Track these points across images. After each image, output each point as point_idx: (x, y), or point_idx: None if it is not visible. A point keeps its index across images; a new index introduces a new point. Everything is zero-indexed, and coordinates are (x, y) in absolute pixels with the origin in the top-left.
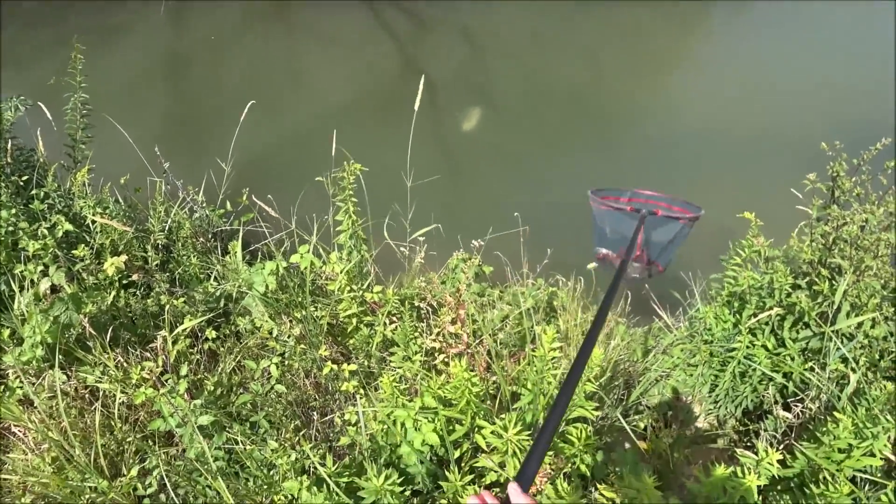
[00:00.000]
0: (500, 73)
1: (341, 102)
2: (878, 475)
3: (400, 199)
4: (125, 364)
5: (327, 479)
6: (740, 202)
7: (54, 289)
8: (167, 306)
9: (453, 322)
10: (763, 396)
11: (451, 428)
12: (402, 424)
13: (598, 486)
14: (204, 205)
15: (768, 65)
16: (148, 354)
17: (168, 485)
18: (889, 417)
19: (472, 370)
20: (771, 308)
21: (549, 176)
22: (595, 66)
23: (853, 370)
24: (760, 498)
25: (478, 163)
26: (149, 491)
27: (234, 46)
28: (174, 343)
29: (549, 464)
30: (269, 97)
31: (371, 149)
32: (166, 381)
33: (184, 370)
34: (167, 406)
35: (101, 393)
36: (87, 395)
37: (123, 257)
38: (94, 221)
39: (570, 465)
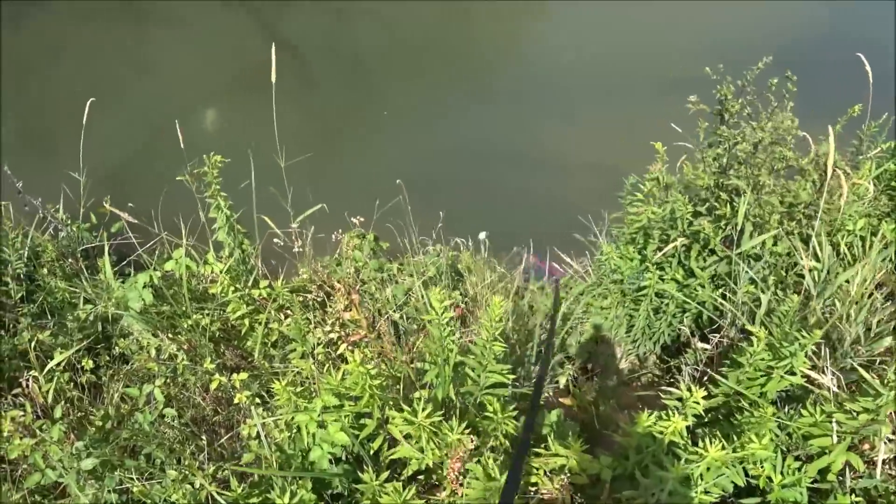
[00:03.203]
0: (366, 35)
1: (205, 89)
2: (799, 393)
3: (279, 182)
4: None
5: None
6: (622, 139)
7: None
8: (32, 342)
9: (347, 309)
10: (679, 330)
11: (361, 423)
12: (308, 428)
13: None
14: (69, 222)
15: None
16: (22, 400)
17: None
18: (804, 333)
19: (377, 356)
20: (675, 239)
21: (429, 134)
22: (461, 15)
23: (762, 290)
24: (689, 437)
25: (356, 132)
26: None
27: (75, 44)
28: (49, 382)
29: (468, 443)
30: (123, 93)
31: (245, 132)
32: (41, 427)
33: (58, 412)
34: (42, 458)
35: None
36: None
37: None
38: None
39: (493, 438)
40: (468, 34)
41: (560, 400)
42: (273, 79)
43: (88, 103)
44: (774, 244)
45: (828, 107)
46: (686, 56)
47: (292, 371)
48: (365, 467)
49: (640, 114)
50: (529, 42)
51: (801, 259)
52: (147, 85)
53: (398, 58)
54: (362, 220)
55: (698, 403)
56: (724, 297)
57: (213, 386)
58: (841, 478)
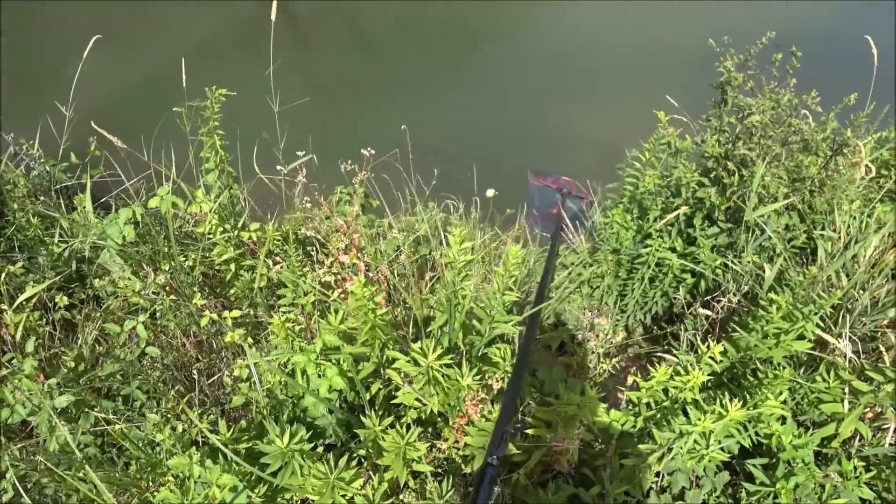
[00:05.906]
0: (368, 4)
1: (198, 38)
2: (806, 359)
3: (269, 132)
4: None
5: (222, 447)
6: (620, 116)
7: None
8: (2, 275)
9: (347, 250)
10: (674, 299)
11: (358, 368)
12: (304, 372)
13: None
14: (42, 160)
15: None
16: None
17: (27, 486)
18: (821, 294)
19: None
20: (678, 207)
21: (429, 105)
22: None
23: (770, 259)
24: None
25: (354, 95)
26: (5, 498)
27: None
28: (19, 314)
29: (475, 390)
30: (116, 38)
31: (233, 84)
32: (10, 362)
33: (30, 346)
34: (13, 393)
35: None
36: None
37: None
38: None
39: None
40: (471, 8)
41: (559, 358)
42: (273, 16)
43: (93, 39)
44: (779, 217)
45: (827, 94)
46: (695, 40)
47: (281, 317)
48: (368, 412)
49: (643, 94)
50: (537, 20)
51: (814, 231)
52: (143, 32)
53: (401, 28)
54: (372, 151)
55: (714, 359)
56: (725, 266)
57: (203, 322)
58: (846, 446)
